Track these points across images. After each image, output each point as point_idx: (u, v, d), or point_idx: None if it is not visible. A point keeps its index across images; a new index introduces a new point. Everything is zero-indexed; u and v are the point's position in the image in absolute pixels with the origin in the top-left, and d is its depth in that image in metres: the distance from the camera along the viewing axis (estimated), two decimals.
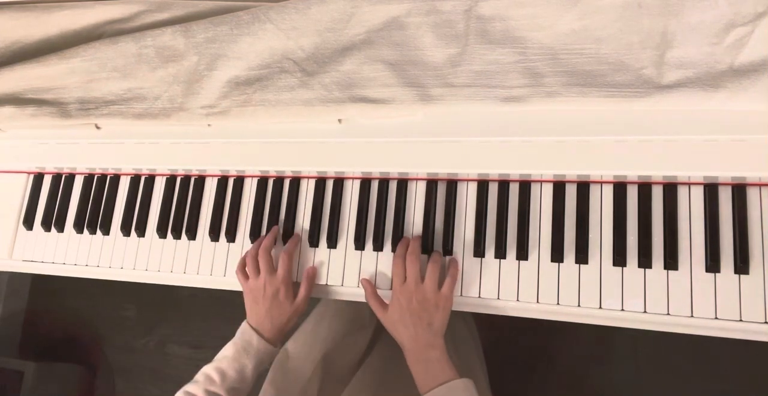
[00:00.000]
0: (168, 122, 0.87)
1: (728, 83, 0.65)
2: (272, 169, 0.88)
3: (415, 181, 0.83)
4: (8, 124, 0.94)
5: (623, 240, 0.72)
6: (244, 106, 0.82)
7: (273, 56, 0.82)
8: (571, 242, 0.74)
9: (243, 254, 0.85)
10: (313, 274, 0.83)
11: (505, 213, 0.77)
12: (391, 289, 0.77)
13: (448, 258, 0.78)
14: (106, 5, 0.92)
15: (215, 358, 0.78)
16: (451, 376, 0.68)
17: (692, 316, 0.69)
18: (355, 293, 0.82)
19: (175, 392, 0.74)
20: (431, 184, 0.81)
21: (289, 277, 0.81)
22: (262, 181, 0.89)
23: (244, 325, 0.80)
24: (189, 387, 0.74)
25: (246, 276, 0.82)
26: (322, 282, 0.84)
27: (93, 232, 0.96)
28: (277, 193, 0.88)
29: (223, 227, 0.90)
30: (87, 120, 0.90)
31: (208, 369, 0.76)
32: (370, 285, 0.79)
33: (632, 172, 0.72)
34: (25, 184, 1.03)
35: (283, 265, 0.80)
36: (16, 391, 1.69)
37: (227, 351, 0.78)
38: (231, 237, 0.89)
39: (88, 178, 0.99)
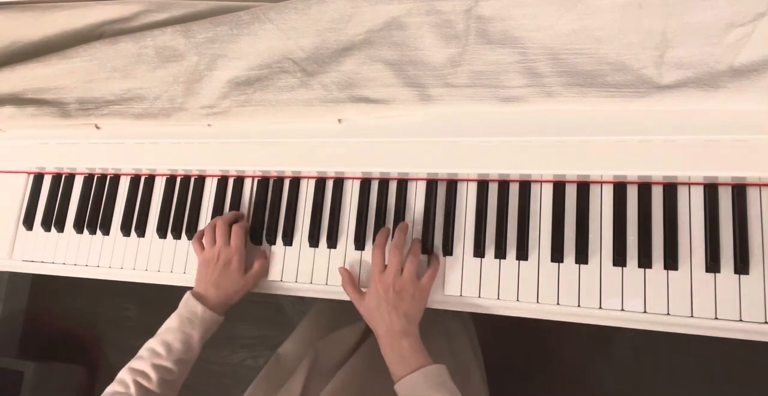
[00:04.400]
0: (168, 122, 0.87)
1: (728, 83, 0.65)
2: (272, 169, 0.88)
3: (415, 181, 0.83)
4: (8, 124, 0.94)
5: (623, 240, 0.72)
6: (244, 106, 0.82)
7: (273, 56, 0.82)
8: (571, 242, 0.74)
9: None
10: (267, 255, 0.85)
11: (505, 213, 0.77)
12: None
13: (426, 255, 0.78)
14: (106, 5, 0.92)
15: (158, 331, 0.78)
16: (424, 363, 0.68)
17: (692, 316, 0.69)
18: None
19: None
20: (431, 184, 0.81)
21: (242, 249, 0.82)
22: (262, 181, 0.89)
23: (187, 295, 0.80)
24: (134, 363, 0.74)
25: (202, 247, 0.84)
26: (322, 282, 0.84)
27: (93, 232, 0.96)
28: (277, 193, 0.88)
29: None
30: (87, 120, 0.90)
31: (152, 343, 0.76)
32: (347, 272, 0.79)
33: (632, 172, 0.72)
34: (25, 184, 1.02)
35: (236, 236, 0.82)
36: (16, 391, 1.69)
37: (171, 322, 0.78)
38: None
39: (88, 178, 0.99)
